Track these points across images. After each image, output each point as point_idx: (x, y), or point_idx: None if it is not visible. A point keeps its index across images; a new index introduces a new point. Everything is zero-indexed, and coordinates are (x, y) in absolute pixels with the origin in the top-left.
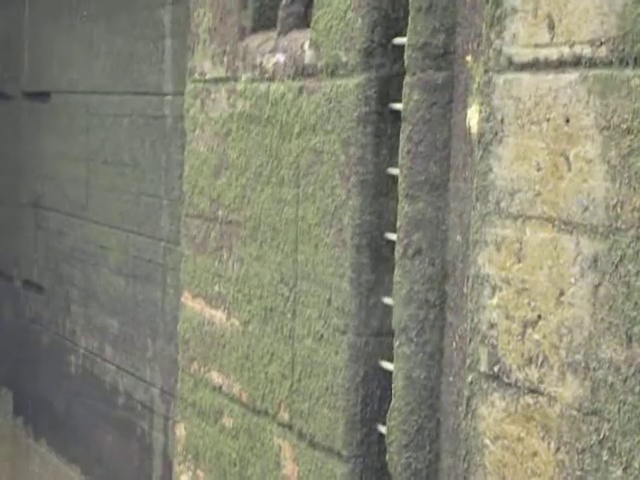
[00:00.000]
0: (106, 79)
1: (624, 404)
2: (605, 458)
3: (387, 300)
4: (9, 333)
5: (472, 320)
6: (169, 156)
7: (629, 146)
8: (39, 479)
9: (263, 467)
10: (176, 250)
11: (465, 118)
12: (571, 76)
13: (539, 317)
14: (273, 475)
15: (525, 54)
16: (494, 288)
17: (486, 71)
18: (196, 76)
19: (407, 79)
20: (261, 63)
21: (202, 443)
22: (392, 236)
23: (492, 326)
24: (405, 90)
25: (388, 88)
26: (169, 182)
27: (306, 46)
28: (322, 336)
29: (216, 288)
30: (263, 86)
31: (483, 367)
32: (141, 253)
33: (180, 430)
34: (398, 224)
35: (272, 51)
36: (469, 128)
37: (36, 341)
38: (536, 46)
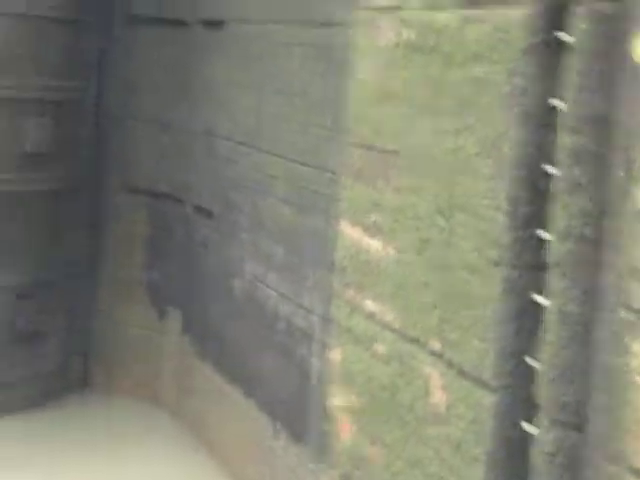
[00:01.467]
0: (279, 8)
1: None
2: None
3: (542, 234)
4: (180, 256)
5: (628, 257)
6: (338, 87)
7: None
8: (203, 397)
9: (412, 394)
10: (341, 182)
11: (633, 51)
12: None
13: None
14: (422, 402)
15: None
16: None
17: None
18: (364, 4)
19: (576, 9)
20: None
21: (355, 368)
22: (550, 169)
23: None
24: (573, 20)
25: (556, 18)
26: (337, 113)
27: None
28: (476, 268)
29: (373, 217)
30: (428, 15)
31: (637, 304)
32: (307, 183)
33: (335, 355)
34: (558, 157)
35: None
36: (636, 61)
37: (204, 264)
38: None
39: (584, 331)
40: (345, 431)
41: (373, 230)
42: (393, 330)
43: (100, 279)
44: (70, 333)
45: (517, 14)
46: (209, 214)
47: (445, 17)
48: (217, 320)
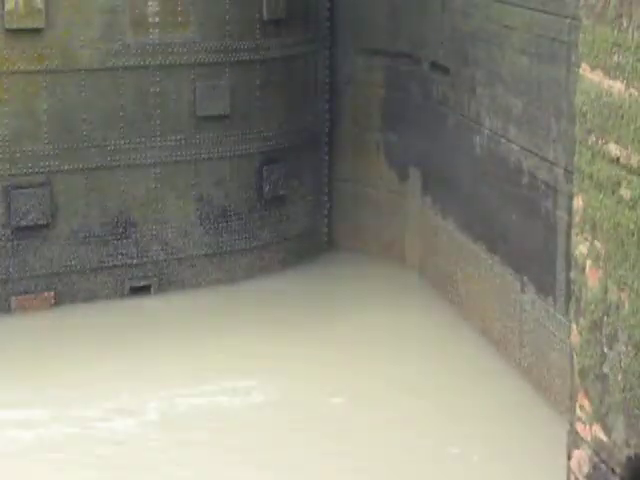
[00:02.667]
0: None
1: None
2: None
3: None
4: (417, 115)
5: None
6: None
7: None
8: (446, 255)
9: None
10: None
11: None
12: None
13: None
14: None
15: None
16: None
17: None
18: None
19: None
20: None
21: (599, 215)
22: None
23: None
24: None
25: None
26: None
27: None
28: None
29: (615, 58)
30: None
31: None
32: (545, 31)
33: (577, 202)
34: None
35: None
36: None
37: (442, 122)
38: None
39: None
40: (593, 279)
41: (615, 72)
42: (639, 174)
43: (339, 142)
44: (315, 196)
45: None
46: (445, 71)
47: None
48: (458, 178)
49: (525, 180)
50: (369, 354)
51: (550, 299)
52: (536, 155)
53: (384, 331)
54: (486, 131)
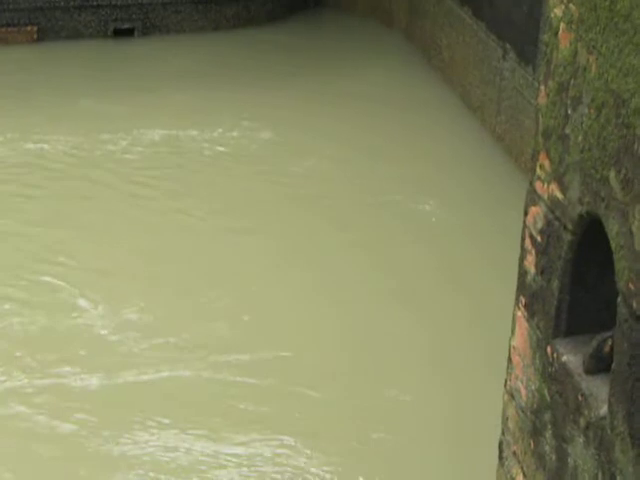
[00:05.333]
0: None
1: None
2: None
3: None
4: None
5: None
6: None
7: None
8: (433, 18)
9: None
10: None
11: None
12: None
13: None
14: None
15: None
16: None
17: None
18: None
19: None
20: None
21: None
22: None
23: None
24: None
25: None
26: None
27: None
28: None
29: None
30: None
31: None
32: None
33: None
34: None
35: None
36: None
37: None
38: None
39: None
40: (564, 41)
41: None
42: None
43: None
44: None
45: None
46: None
47: None
48: None
49: None
50: (347, 109)
51: (530, 68)
52: None
53: (367, 87)
54: None
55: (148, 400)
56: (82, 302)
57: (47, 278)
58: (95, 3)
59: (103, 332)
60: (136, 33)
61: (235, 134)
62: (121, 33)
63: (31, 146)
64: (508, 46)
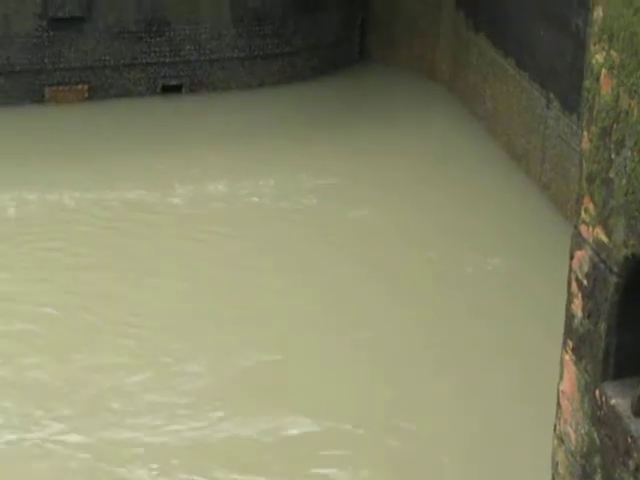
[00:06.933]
0: None
1: None
2: None
3: None
4: None
5: None
6: None
7: None
8: (476, 69)
9: None
10: None
11: None
12: None
13: None
14: None
15: None
16: None
17: None
18: None
19: None
20: None
21: (616, 24)
22: None
23: None
24: None
25: None
26: None
27: None
28: None
29: None
30: None
31: None
32: None
33: (597, 12)
34: None
35: None
36: None
37: None
38: None
39: None
40: (606, 87)
41: None
42: None
43: None
44: (350, 5)
45: None
46: None
47: None
48: None
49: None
50: (394, 161)
51: (574, 116)
52: None
53: (413, 139)
54: None
55: None
56: None
57: None
58: (144, 61)
59: None
60: (183, 89)
61: (289, 185)
62: (169, 90)
63: (89, 200)
64: (552, 95)
